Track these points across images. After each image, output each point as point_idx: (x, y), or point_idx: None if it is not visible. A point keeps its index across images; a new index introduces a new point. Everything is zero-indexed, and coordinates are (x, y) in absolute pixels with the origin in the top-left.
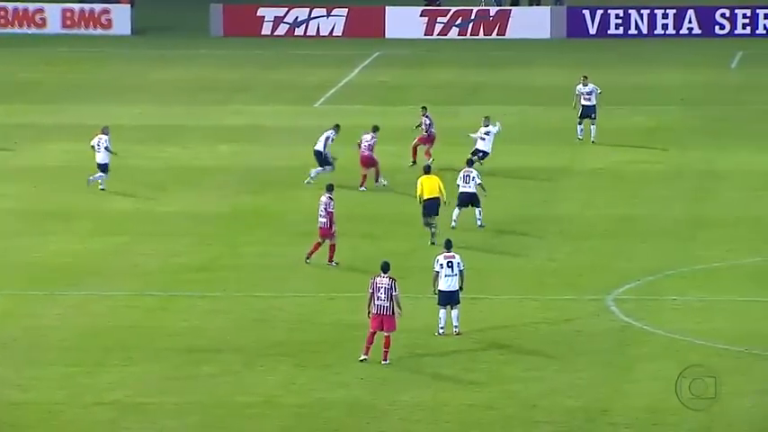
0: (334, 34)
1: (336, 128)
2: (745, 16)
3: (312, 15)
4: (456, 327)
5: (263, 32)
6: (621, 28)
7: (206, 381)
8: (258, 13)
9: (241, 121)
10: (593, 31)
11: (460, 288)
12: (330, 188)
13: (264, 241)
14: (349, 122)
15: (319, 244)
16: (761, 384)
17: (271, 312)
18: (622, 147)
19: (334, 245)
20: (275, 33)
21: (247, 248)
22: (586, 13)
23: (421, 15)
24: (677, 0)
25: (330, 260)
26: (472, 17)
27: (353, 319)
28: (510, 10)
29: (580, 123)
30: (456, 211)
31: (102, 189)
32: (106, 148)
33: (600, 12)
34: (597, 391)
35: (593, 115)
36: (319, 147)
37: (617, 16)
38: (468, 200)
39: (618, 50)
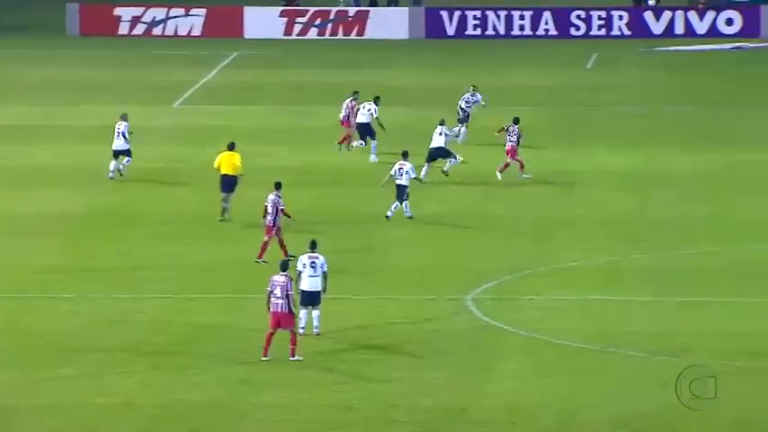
0: (192, 34)
1: (377, 100)
2: (600, 18)
3: (170, 15)
4: (316, 327)
5: (120, 32)
6: (479, 29)
7: (65, 382)
8: (115, 13)
9: (98, 122)
10: (451, 31)
11: (323, 290)
12: (278, 186)
13: (122, 241)
14: (207, 123)
15: (267, 243)
16: (616, 383)
17: (129, 314)
18: (481, 147)
19: (267, 242)
20: (133, 33)
21: (105, 249)
22: (444, 14)
23: (280, 16)
24: (534, 2)
25: (260, 257)
26: (331, 17)
27: (212, 321)
28: (368, 11)
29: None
30: (395, 203)
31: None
32: (123, 134)
33: (458, 13)
34: (456, 391)
35: (466, 121)
36: (364, 119)
37: (475, 17)
38: (402, 192)
39: (475, 51)
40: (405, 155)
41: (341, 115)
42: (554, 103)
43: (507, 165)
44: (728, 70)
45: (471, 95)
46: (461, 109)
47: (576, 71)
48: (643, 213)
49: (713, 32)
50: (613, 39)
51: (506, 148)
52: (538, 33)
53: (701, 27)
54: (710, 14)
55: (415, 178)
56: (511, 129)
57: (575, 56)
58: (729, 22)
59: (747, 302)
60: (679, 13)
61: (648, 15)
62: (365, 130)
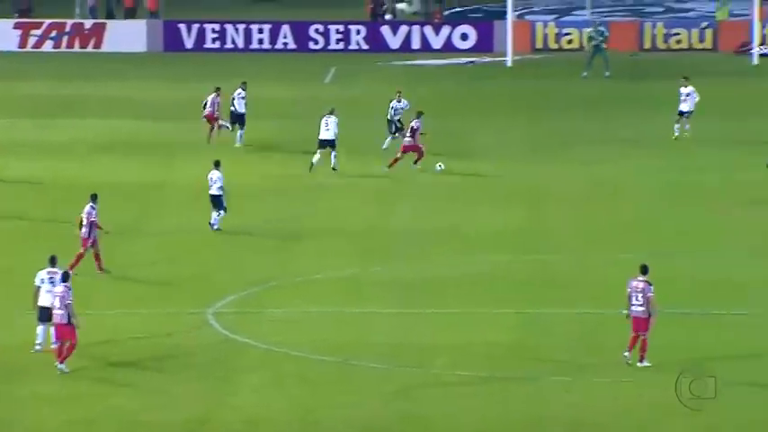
0: None
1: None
2: (338, 32)
3: None
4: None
5: None
6: (218, 42)
7: None
8: None
9: None
10: (189, 45)
11: None
12: (94, 198)
13: None
14: None
15: (81, 255)
16: (358, 393)
17: None
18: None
19: (81, 254)
20: None
21: None
22: (183, 27)
23: (14, 28)
24: (273, 15)
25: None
26: (67, 30)
27: None
28: (105, 23)
29: (393, 136)
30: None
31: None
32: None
33: (196, 26)
34: (197, 405)
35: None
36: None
37: (213, 30)
38: (218, 202)
39: (214, 64)
40: (216, 164)
41: (207, 110)
42: (293, 116)
43: (396, 160)
44: (463, 83)
45: (398, 102)
46: (390, 119)
47: (315, 84)
48: (384, 225)
49: (449, 47)
50: (352, 53)
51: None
52: (277, 47)
53: (437, 42)
54: (446, 29)
55: (221, 187)
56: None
57: (313, 69)
58: (464, 36)
59: (487, 312)
60: (416, 27)
61: (386, 30)
62: (238, 118)
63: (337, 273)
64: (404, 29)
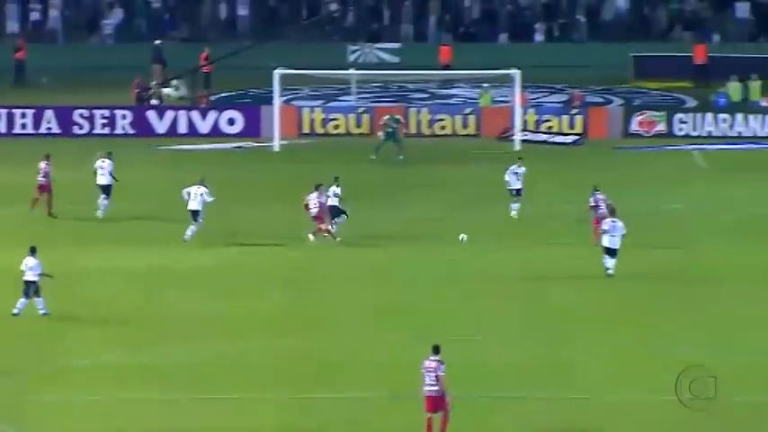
0: None
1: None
2: (104, 117)
3: None
4: None
5: None
6: None
7: None
8: None
9: None
10: None
11: None
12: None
13: None
14: None
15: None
16: None
17: None
18: None
19: None
20: None
21: None
22: None
23: None
24: (36, 100)
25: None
26: None
27: None
28: None
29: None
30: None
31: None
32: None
33: None
34: None
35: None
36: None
37: None
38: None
39: None
40: (32, 251)
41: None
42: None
43: None
44: (231, 168)
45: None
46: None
47: (81, 169)
48: (153, 310)
49: (216, 132)
50: (118, 137)
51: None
52: (40, 131)
53: (204, 126)
54: (213, 114)
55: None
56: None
57: (79, 154)
58: (231, 121)
59: (256, 398)
60: (182, 112)
61: (152, 114)
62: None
63: (102, 359)
64: (170, 113)
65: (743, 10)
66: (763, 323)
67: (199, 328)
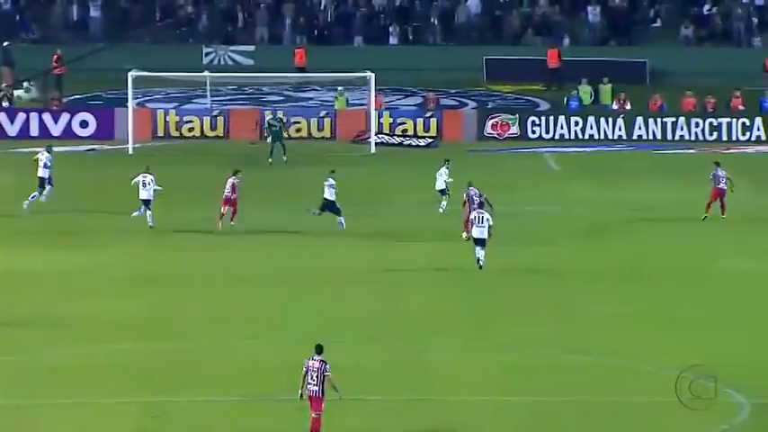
0: None
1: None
2: None
3: None
4: None
5: None
6: None
7: None
8: None
9: None
10: None
11: None
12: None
13: None
14: None
15: None
16: None
17: None
18: None
19: None
20: None
21: None
22: None
23: None
24: None
25: None
26: None
27: None
28: None
29: None
30: None
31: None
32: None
33: None
34: None
35: None
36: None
37: None
38: None
39: None
40: None
41: None
42: None
43: None
44: (84, 170)
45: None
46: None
47: None
48: (5, 314)
49: (68, 134)
50: None
51: None
52: None
53: (57, 129)
54: (65, 116)
55: None
56: None
57: None
58: (84, 124)
59: (107, 403)
60: (34, 114)
61: (2, 117)
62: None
63: None
64: (21, 116)
65: (594, 14)
66: (613, 323)
67: (50, 331)
